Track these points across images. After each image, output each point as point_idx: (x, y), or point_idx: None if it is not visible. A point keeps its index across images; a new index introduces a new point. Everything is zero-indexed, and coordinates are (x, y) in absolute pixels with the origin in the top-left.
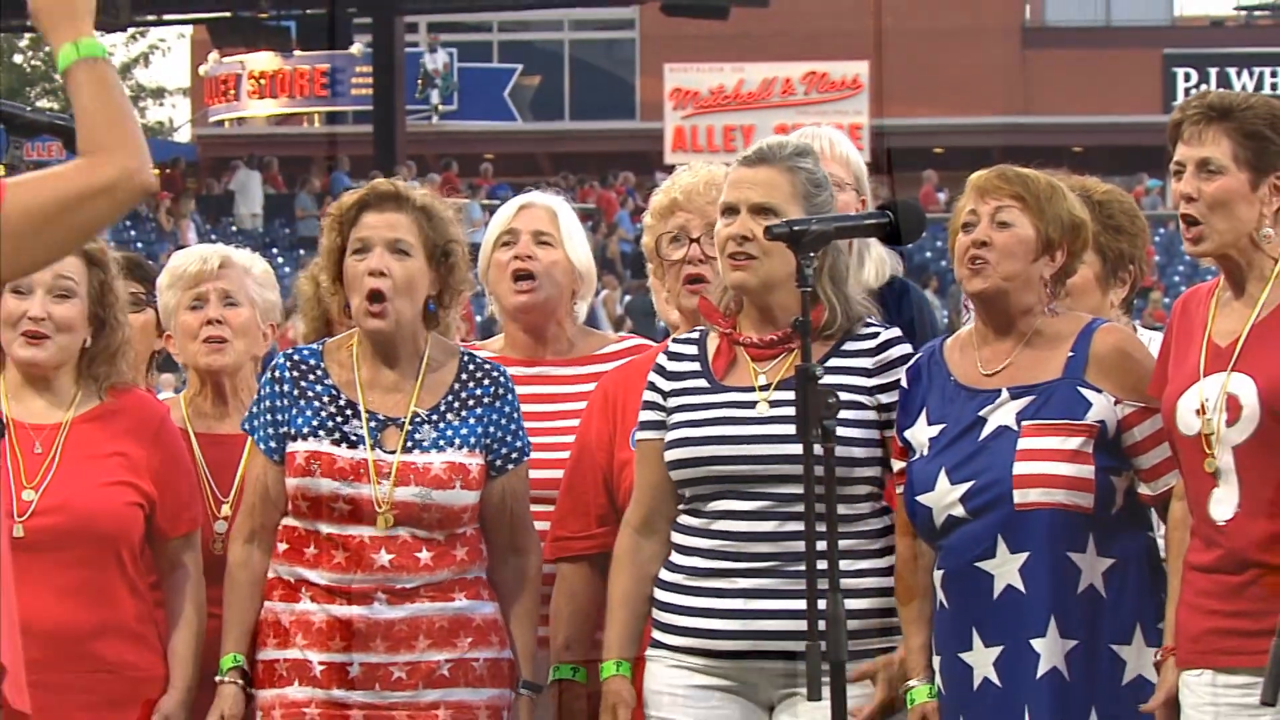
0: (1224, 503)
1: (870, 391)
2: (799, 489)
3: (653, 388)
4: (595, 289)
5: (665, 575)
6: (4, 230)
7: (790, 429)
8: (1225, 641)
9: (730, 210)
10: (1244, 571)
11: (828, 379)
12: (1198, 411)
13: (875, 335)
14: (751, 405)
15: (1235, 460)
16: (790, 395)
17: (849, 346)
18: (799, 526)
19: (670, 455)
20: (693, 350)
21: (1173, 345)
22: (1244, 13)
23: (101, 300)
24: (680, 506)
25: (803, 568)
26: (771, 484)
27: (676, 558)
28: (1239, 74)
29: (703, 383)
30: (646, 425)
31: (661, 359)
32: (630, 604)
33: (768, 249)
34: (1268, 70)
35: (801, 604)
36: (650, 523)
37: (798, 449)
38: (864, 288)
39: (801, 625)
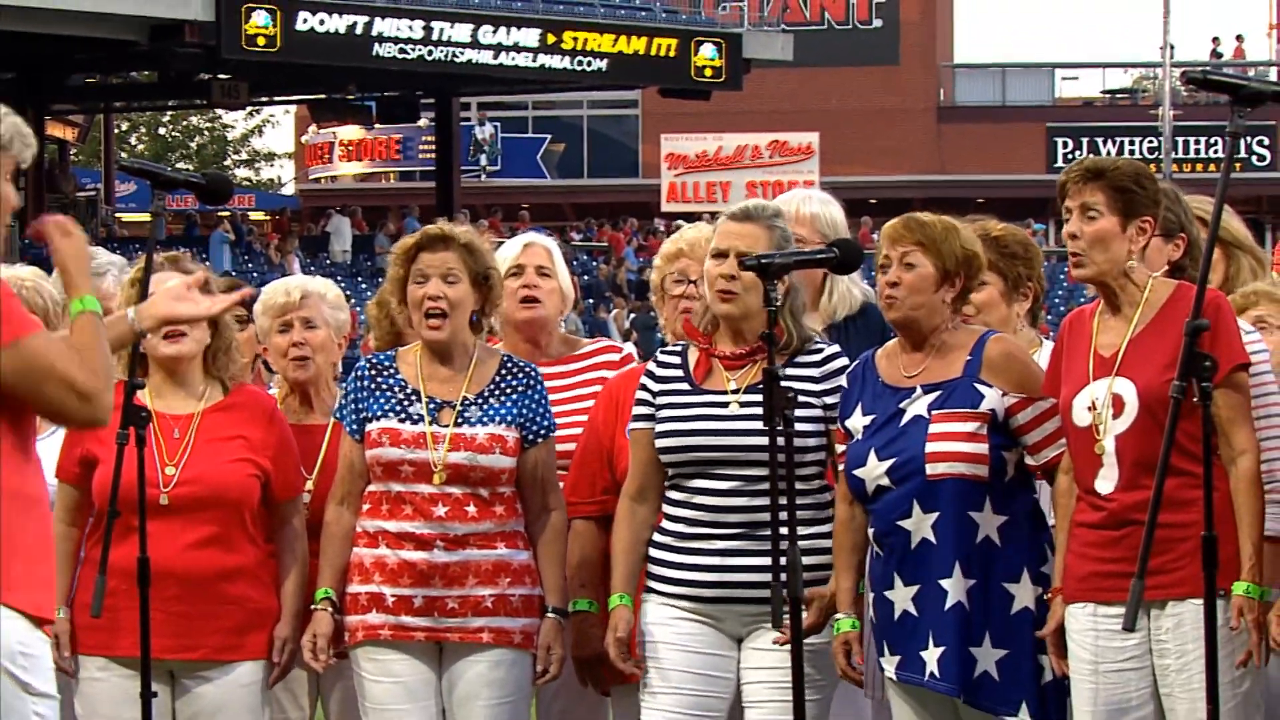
0: (1107, 479)
1: (818, 394)
2: (763, 471)
3: (644, 389)
4: (607, 310)
5: (658, 536)
6: (15, 355)
7: (756, 424)
8: (1105, 581)
9: (721, 254)
10: (1121, 528)
11: (785, 385)
12: (1089, 408)
13: (820, 351)
14: (725, 405)
15: (1117, 445)
16: (756, 397)
17: (800, 359)
18: (763, 501)
19: (661, 442)
20: (676, 360)
21: (1063, 354)
22: (1109, 95)
23: None
24: (667, 482)
25: (766, 533)
26: (740, 467)
27: (666, 523)
28: (1105, 142)
29: (685, 386)
30: (638, 418)
31: (651, 367)
32: (630, 554)
33: (748, 285)
34: (1127, 139)
35: (765, 560)
36: (642, 492)
37: (762, 440)
38: (831, 315)
39: (765, 577)
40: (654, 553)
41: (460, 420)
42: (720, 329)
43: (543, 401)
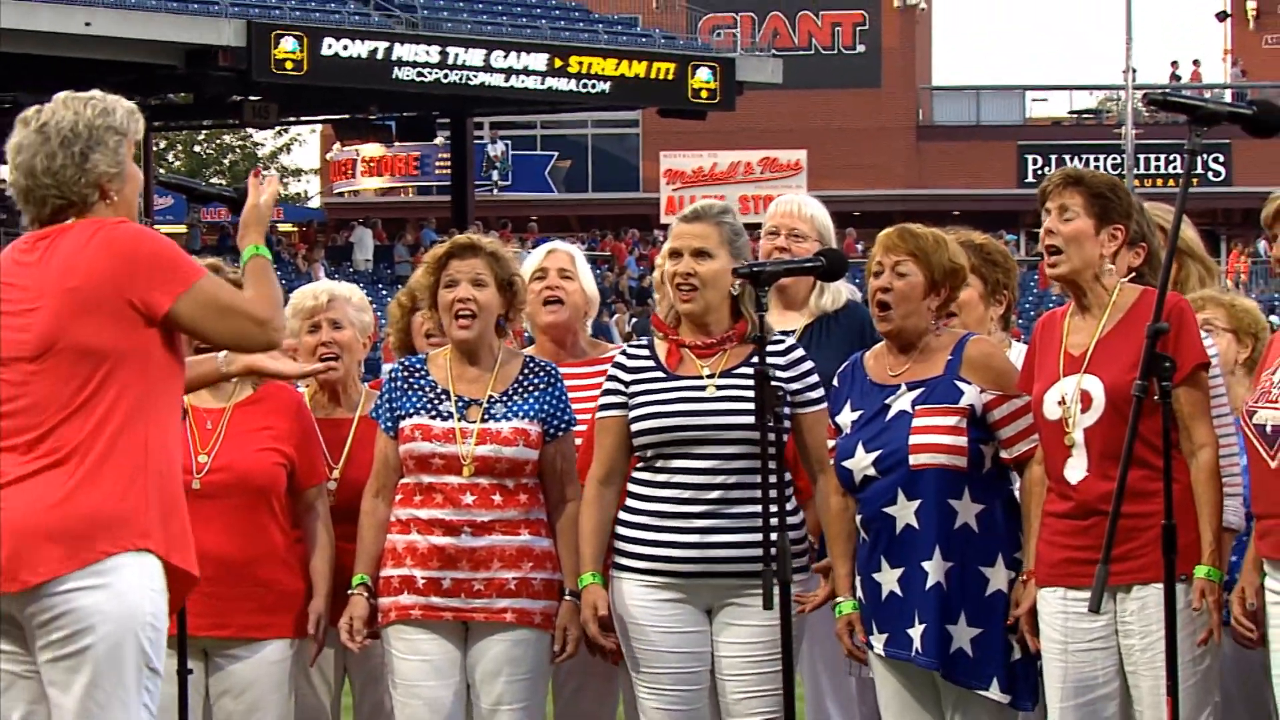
0: (1076, 469)
1: (785, 382)
2: (739, 449)
3: (614, 379)
4: (609, 314)
5: (632, 517)
6: (193, 298)
7: (731, 405)
8: (1074, 567)
9: (676, 253)
10: (1089, 517)
11: (754, 370)
12: (1059, 403)
13: (782, 342)
14: (702, 389)
15: (1085, 438)
16: (731, 381)
17: (767, 349)
18: (738, 479)
19: (641, 425)
20: (645, 352)
21: (1036, 353)
22: (1075, 115)
23: None
24: (639, 465)
25: (742, 510)
26: (718, 446)
27: (641, 504)
28: (1072, 159)
29: (659, 374)
30: (608, 406)
31: (620, 359)
32: (599, 534)
33: (705, 281)
34: (1092, 156)
35: (741, 537)
36: (609, 476)
37: (739, 419)
38: (818, 311)
39: (742, 553)
40: (629, 533)
41: (486, 416)
42: (684, 323)
43: (562, 398)
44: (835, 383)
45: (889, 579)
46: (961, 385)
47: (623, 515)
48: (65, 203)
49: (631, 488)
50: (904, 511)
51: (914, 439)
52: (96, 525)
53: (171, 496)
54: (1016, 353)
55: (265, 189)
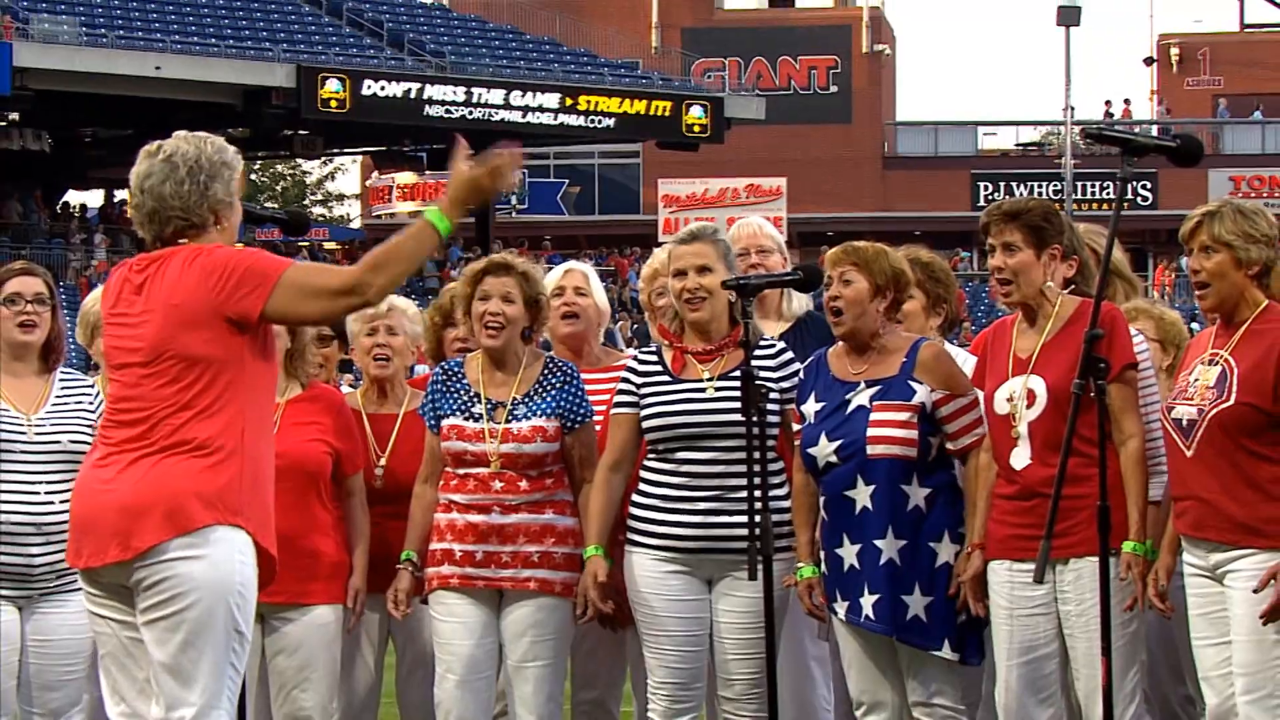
0: (1020, 457)
1: (775, 381)
2: (735, 443)
3: (627, 380)
4: (613, 321)
5: (644, 500)
6: (279, 294)
7: (729, 404)
8: (1018, 543)
9: (680, 272)
10: (1032, 499)
11: (740, 371)
12: (1008, 400)
13: (773, 346)
14: (703, 390)
15: (1029, 430)
16: (728, 384)
17: (758, 354)
18: (735, 469)
19: (650, 422)
20: (654, 358)
21: (988, 356)
22: (1021, 147)
23: None
24: (651, 455)
25: (740, 495)
26: (717, 440)
27: (651, 489)
28: (1018, 185)
29: (665, 377)
30: (621, 404)
31: (632, 363)
32: (605, 514)
33: (710, 293)
34: (1036, 183)
35: (739, 518)
36: (618, 464)
37: (735, 417)
38: (792, 318)
39: (739, 532)
40: (641, 513)
41: (510, 417)
42: (687, 331)
43: (579, 393)
44: (800, 374)
45: (849, 553)
46: (914, 385)
47: (636, 497)
48: (187, 224)
49: (643, 474)
50: (862, 495)
51: (871, 431)
52: (195, 499)
53: (262, 482)
54: (956, 355)
55: (469, 163)
